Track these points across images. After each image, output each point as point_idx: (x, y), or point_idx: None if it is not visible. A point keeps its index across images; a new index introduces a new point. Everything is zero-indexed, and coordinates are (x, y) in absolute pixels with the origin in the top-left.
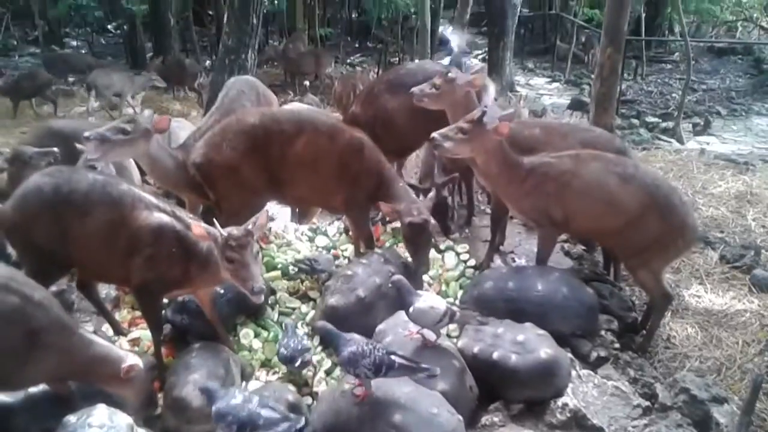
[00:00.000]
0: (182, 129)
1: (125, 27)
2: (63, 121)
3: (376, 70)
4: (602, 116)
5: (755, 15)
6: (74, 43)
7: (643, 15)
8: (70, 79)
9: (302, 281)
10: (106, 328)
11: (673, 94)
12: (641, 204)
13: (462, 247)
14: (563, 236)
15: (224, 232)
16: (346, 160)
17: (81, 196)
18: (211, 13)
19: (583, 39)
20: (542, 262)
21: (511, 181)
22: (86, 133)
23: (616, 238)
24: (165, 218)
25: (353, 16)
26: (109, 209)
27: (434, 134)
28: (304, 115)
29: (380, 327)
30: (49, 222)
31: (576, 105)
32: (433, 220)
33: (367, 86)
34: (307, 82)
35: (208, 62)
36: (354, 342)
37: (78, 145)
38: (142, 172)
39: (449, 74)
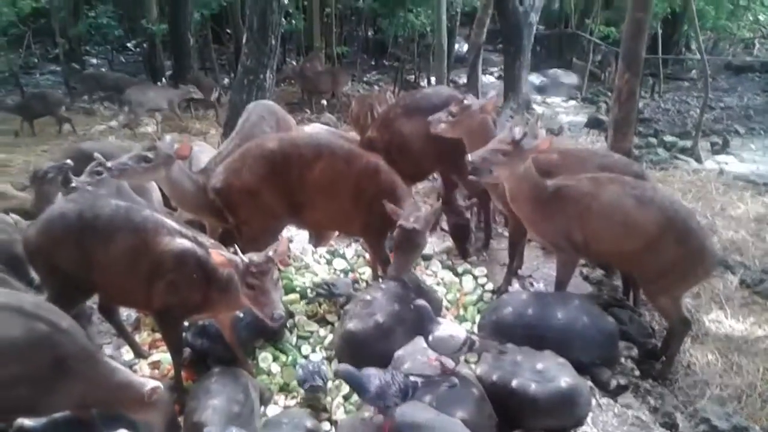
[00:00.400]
0: (202, 152)
1: (145, 45)
2: (92, 143)
3: (392, 88)
4: (621, 141)
5: None
6: (94, 60)
7: (660, 32)
8: (92, 97)
9: (320, 304)
10: (127, 350)
11: (691, 112)
12: (660, 227)
13: (480, 271)
14: (581, 260)
15: (245, 258)
16: (361, 184)
17: (104, 222)
18: (229, 31)
19: (599, 57)
20: (562, 288)
21: (536, 204)
22: (108, 164)
23: (635, 263)
24: (186, 244)
25: (369, 34)
26: (131, 235)
27: (471, 157)
28: (322, 140)
29: (398, 353)
30: (73, 247)
31: (593, 123)
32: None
33: (383, 111)
34: (324, 101)
35: (226, 80)
36: (374, 376)
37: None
38: (164, 193)
39: (465, 101)
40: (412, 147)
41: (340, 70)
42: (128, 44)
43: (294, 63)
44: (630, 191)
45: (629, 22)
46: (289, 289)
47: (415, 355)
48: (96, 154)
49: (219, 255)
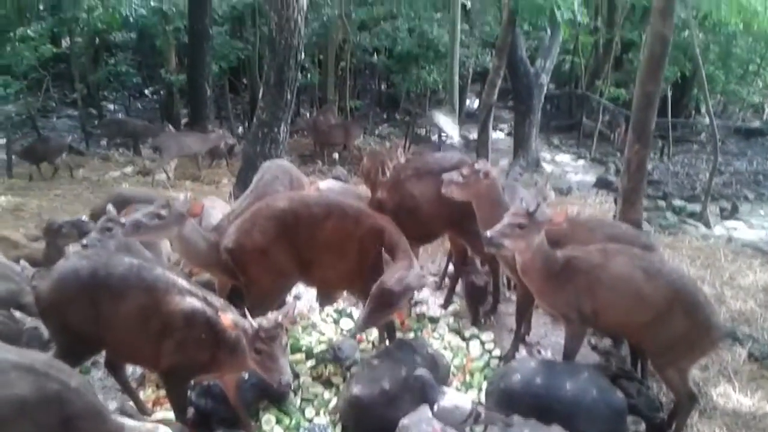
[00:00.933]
0: (214, 207)
1: (162, 93)
2: (133, 189)
3: (403, 142)
4: (629, 211)
5: None
6: (111, 106)
7: (670, 95)
8: (110, 143)
9: (326, 366)
10: (131, 406)
11: (700, 175)
12: (667, 300)
13: (487, 336)
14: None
15: (254, 323)
16: (366, 244)
17: (117, 280)
18: (245, 81)
19: (609, 117)
20: (570, 358)
21: (547, 276)
22: (122, 220)
23: (643, 335)
24: (197, 304)
25: (382, 88)
26: (143, 294)
27: (489, 233)
28: (332, 199)
29: (404, 421)
30: (85, 305)
31: (602, 183)
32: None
33: (393, 172)
34: (336, 154)
35: (240, 129)
36: None
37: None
38: None
39: (475, 165)
40: (422, 209)
41: (352, 123)
42: (145, 91)
43: (308, 115)
44: (638, 263)
45: (639, 95)
46: (294, 349)
47: (421, 425)
48: (109, 207)
49: (228, 318)
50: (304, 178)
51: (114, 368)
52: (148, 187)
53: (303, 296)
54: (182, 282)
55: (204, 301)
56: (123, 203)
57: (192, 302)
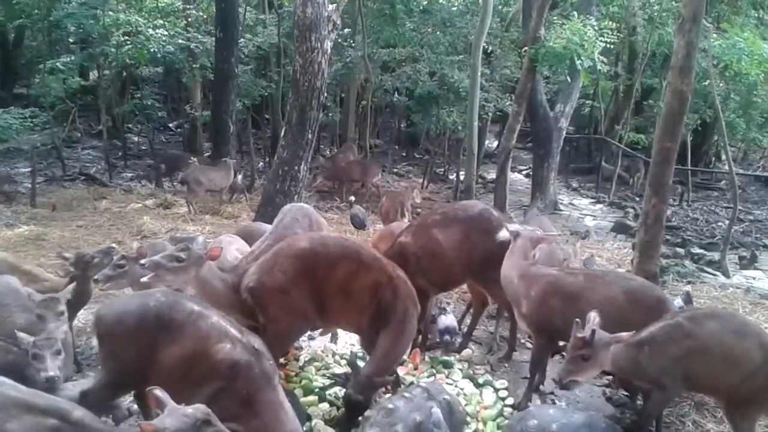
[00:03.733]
0: (231, 244)
1: (186, 126)
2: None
3: (422, 181)
4: (646, 263)
5: None
6: (135, 138)
7: (690, 140)
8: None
9: (338, 408)
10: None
11: (719, 223)
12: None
13: (501, 383)
14: (605, 380)
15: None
16: (373, 294)
17: (177, 325)
18: (268, 117)
19: (627, 162)
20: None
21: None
22: (142, 261)
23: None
24: (244, 357)
25: (402, 126)
26: (197, 341)
27: (557, 376)
28: (350, 242)
29: None
30: (142, 343)
31: (620, 228)
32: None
33: (419, 217)
34: (352, 197)
35: (261, 164)
36: None
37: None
38: None
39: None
40: (445, 255)
41: (370, 162)
42: (170, 125)
43: (328, 152)
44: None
45: (657, 151)
46: (307, 391)
47: None
48: (135, 245)
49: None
50: (324, 221)
51: (142, 399)
52: (169, 220)
53: (317, 337)
54: (235, 331)
55: (254, 353)
56: (250, 236)
57: (241, 353)
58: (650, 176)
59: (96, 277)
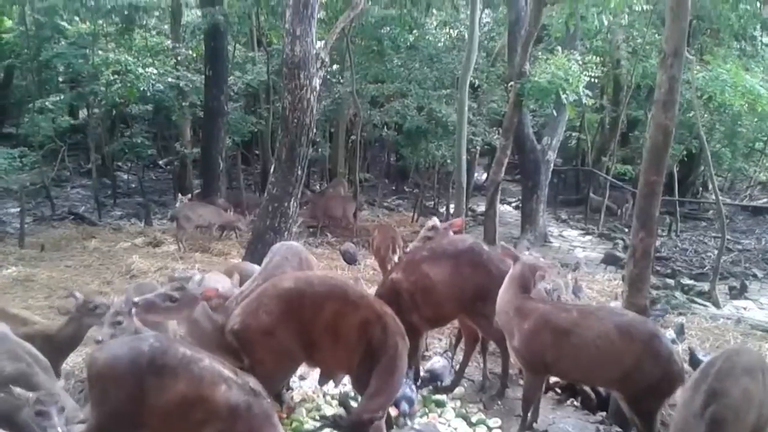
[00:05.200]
0: (218, 282)
1: (176, 164)
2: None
3: (412, 214)
4: (635, 296)
5: None
6: (125, 176)
7: (676, 171)
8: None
9: None
10: None
11: (708, 253)
12: None
13: (494, 422)
14: (598, 417)
15: None
16: (361, 334)
17: (170, 370)
18: (258, 152)
19: (615, 194)
20: None
21: None
22: (135, 299)
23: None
24: (242, 398)
25: (392, 160)
26: (189, 385)
27: None
28: (337, 282)
29: None
30: (133, 388)
31: (610, 260)
32: None
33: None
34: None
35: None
36: None
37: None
38: None
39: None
40: (437, 291)
41: (347, 199)
42: (160, 162)
43: (318, 187)
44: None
45: (643, 184)
46: None
47: None
48: (124, 297)
49: None
50: (314, 260)
51: None
52: (158, 258)
53: (308, 377)
54: (229, 373)
55: (252, 394)
56: (242, 275)
57: (238, 395)
58: (636, 210)
59: (98, 338)
